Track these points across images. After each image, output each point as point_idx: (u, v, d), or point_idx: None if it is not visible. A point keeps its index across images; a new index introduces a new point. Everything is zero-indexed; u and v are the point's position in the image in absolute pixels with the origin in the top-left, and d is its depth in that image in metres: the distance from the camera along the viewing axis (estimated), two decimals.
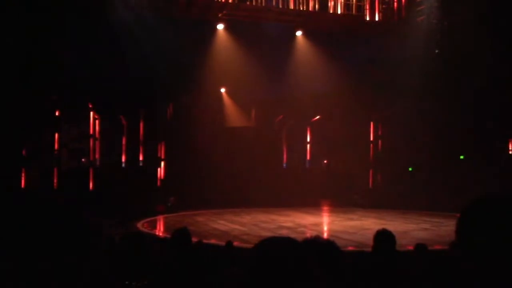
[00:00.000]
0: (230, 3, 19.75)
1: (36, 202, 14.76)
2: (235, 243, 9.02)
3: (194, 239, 5.05)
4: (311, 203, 22.48)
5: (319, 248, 2.01)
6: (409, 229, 14.59)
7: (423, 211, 18.39)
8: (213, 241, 11.65)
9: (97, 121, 22.17)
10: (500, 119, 20.23)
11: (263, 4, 20.13)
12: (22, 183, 18.68)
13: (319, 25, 21.68)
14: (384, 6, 22.21)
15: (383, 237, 4.17)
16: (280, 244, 1.41)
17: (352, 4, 21.39)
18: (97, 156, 22.18)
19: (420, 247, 6.59)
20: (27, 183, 18.74)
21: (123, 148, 22.77)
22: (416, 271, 5.01)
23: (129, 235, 3.44)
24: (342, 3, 21.07)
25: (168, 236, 11.81)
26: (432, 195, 19.71)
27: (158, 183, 23.19)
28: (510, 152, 21.56)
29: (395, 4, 22.19)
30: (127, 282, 2.37)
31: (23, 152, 18.76)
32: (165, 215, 18.41)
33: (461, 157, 22.00)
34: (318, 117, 25.39)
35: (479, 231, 1.45)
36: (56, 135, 20.40)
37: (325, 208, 22.53)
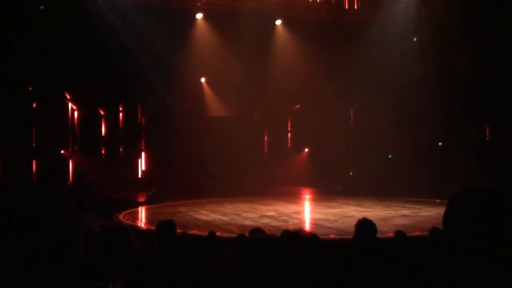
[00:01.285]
0: None
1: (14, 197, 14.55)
2: (218, 233, 9.05)
3: (178, 230, 5.06)
4: (292, 192, 22.62)
5: (301, 241, 2.03)
6: (389, 215, 14.79)
7: (402, 198, 18.66)
8: (195, 232, 11.65)
9: (75, 112, 21.90)
10: (478, 105, 20.56)
11: None
12: None
13: (299, 14, 21.67)
14: None
15: (365, 226, 4.24)
16: (263, 244, 1.42)
17: None
18: (75, 148, 21.94)
19: (400, 234, 6.71)
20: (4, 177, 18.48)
21: (103, 139, 22.55)
22: (396, 257, 5.11)
23: (108, 227, 3.40)
24: None
25: (151, 227, 11.78)
26: (411, 182, 20.02)
27: (139, 174, 23.07)
28: (487, 139, 21.99)
29: None
30: (101, 284, 2.35)
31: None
32: (147, 206, 18.32)
33: (440, 143, 22.36)
34: (298, 105, 25.46)
35: (465, 222, 1.48)
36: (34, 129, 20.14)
37: (307, 196, 22.69)
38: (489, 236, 1.43)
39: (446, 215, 1.55)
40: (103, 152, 22.43)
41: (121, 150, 22.85)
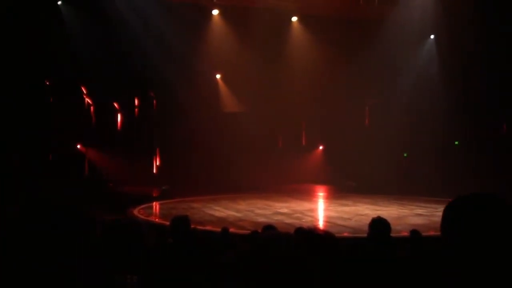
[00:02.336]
0: None
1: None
2: (231, 230, 9.06)
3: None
4: (306, 189, 22.58)
5: (315, 239, 2.02)
6: (404, 215, 14.68)
7: (417, 197, 18.50)
8: (208, 228, 11.69)
9: (91, 108, 22.08)
10: (495, 104, 20.29)
11: None
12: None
13: (315, 10, 21.54)
14: None
15: (379, 225, 4.20)
16: (276, 241, 1.41)
17: None
18: (91, 142, 22.13)
19: (415, 233, 6.65)
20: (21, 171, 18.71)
21: (118, 134, 22.71)
22: (411, 257, 5.06)
23: (120, 222, 3.42)
24: None
25: (165, 223, 11.84)
26: (426, 181, 19.82)
27: (154, 169, 23.19)
28: (504, 137, 21.66)
29: None
30: (116, 277, 2.35)
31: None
32: (161, 201, 18.43)
33: (456, 143, 22.11)
34: (313, 102, 25.35)
35: (460, 228, 1.49)
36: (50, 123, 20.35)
37: (321, 194, 22.63)
38: (484, 243, 1.43)
39: (444, 219, 1.55)
40: (118, 147, 22.59)
41: (136, 145, 22.99)
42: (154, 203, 18.26)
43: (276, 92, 23.59)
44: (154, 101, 23.27)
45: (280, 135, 26.01)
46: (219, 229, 8.23)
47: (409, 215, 14.57)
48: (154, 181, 21.27)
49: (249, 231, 8.02)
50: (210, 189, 20.27)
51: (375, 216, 4.63)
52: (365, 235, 4.58)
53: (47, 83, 20.47)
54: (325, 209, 17.83)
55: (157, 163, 23.49)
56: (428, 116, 22.09)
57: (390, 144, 21.76)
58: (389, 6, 21.03)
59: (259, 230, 6.03)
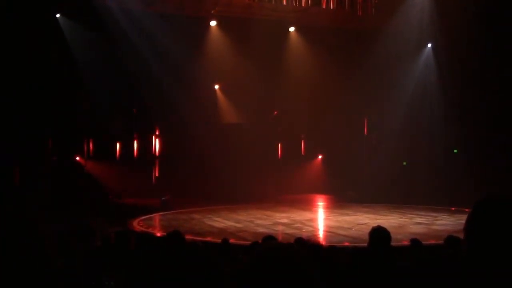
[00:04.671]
0: None
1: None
2: (231, 240, 9.03)
3: (190, 237, 5.06)
4: (306, 199, 22.54)
5: (314, 249, 2.01)
6: (404, 223, 14.65)
7: (417, 206, 18.47)
8: (209, 239, 11.65)
9: (91, 119, 22.05)
10: (494, 112, 20.32)
11: (256, 1, 20.11)
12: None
13: (312, 21, 21.66)
14: (376, 0, 22.23)
15: (378, 235, 4.19)
16: (277, 252, 1.41)
17: None
18: (90, 154, 22.11)
19: (415, 242, 6.63)
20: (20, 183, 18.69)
21: (117, 145, 22.69)
22: (411, 266, 5.04)
23: (117, 233, 3.43)
24: None
25: (164, 234, 11.79)
26: (426, 190, 19.79)
27: (153, 180, 23.15)
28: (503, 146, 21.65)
29: None
30: (94, 283, 2.36)
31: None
32: (161, 213, 18.38)
33: (455, 151, 22.11)
34: (312, 112, 25.38)
35: (489, 231, 1.44)
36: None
37: (320, 203, 22.58)
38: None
39: (470, 223, 1.50)
40: (117, 158, 22.57)
41: (135, 156, 22.97)
42: (154, 214, 18.20)
43: (275, 102, 23.61)
44: (153, 112, 23.25)
45: (279, 145, 26.01)
46: (219, 240, 8.21)
47: (409, 224, 14.54)
48: (154, 192, 21.21)
49: (249, 242, 7.99)
50: (210, 199, 20.22)
51: (375, 225, 4.62)
52: (366, 244, 4.56)
53: (45, 91, 20.46)
54: (325, 219, 17.78)
55: (156, 174, 23.44)
56: (426, 125, 22.12)
57: (389, 153, 21.76)
58: (386, 16, 21.17)
59: (259, 241, 6.01)
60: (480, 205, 1.50)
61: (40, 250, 1.65)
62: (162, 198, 19.69)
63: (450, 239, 5.71)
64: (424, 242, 7.37)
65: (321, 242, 2.70)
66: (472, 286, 1.44)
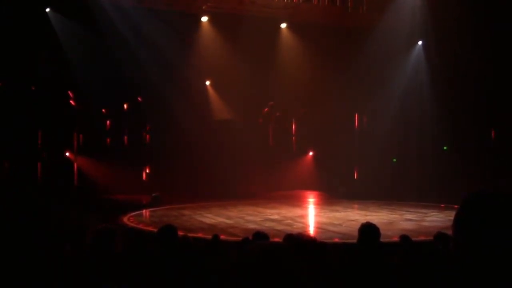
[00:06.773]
0: None
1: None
2: (222, 237, 9.02)
3: (181, 233, 5.04)
4: (297, 195, 22.58)
5: (304, 245, 2.02)
6: (394, 220, 14.73)
7: (407, 202, 18.57)
8: (199, 235, 11.64)
9: (80, 114, 21.92)
10: (483, 109, 20.48)
11: None
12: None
13: (304, 17, 21.66)
14: None
15: (368, 230, 4.21)
16: (267, 252, 1.41)
17: None
18: (80, 149, 21.97)
19: (404, 238, 6.67)
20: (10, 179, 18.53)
21: (107, 141, 22.57)
22: (401, 262, 5.07)
23: (100, 230, 3.40)
24: None
25: (154, 230, 11.77)
26: (415, 186, 19.92)
27: (144, 177, 23.07)
28: (493, 143, 21.85)
29: None
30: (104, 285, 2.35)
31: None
32: (151, 209, 18.33)
33: (444, 148, 22.26)
34: (303, 109, 25.43)
35: (477, 226, 1.42)
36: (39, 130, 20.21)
37: (311, 199, 22.64)
38: (502, 241, 1.37)
39: (459, 217, 1.48)
40: (108, 154, 22.43)
41: (125, 152, 22.84)
42: (144, 210, 18.15)
43: (266, 98, 23.60)
44: (143, 108, 23.16)
45: (270, 141, 26.01)
46: (210, 236, 8.20)
47: (399, 220, 14.62)
48: (144, 188, 21.14)
49: (240, 238, 8.00)
50: (201, 196, 20.20)
51: (365, 221, 4.64)
52: (355, 240, 4.59)
53: (33, 88, 20.30)
54: (316, 215, 17.83)
55: (147, 171, 23.36)
56: (417, 122, 22.25)
57: (380, 150, 21.86)
58: (377, 13, 21.22)
59: (250, 237, 6.02)
60: (468, 201, 1.49)
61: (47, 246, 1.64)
62: (153, 194, 19.65)
63: (440, 236, 5.76)
64: (413, 239, 7.42)
65: (313, 237, 2.71)
66: (460, 282, 1.44)
